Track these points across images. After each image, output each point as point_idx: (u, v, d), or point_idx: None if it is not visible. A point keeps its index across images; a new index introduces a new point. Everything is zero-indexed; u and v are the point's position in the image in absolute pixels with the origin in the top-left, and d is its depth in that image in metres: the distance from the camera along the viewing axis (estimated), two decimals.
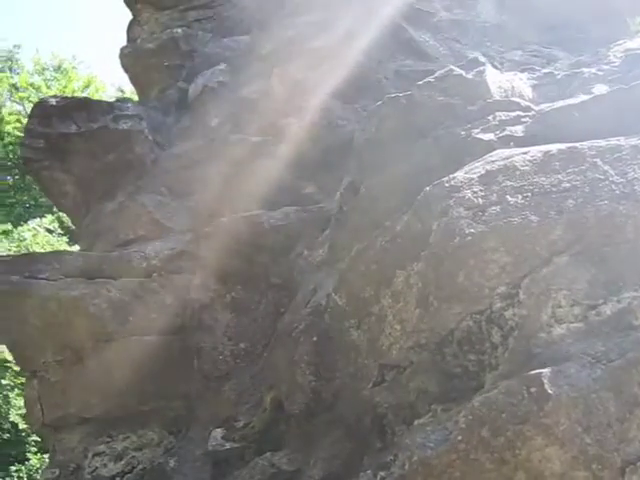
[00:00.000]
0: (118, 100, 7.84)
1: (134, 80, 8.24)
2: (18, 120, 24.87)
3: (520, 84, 4.38)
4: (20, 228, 18.80)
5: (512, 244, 3.11)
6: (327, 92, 5.89)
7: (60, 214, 19.68)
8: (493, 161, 3.43)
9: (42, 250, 15.46)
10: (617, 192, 3.04)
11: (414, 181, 3.71)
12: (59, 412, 5.59)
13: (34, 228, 18.75)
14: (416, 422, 3.33)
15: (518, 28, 6.39)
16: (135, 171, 6.39)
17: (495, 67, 4.77)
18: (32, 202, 23.73)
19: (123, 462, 5.34)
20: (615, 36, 5.17)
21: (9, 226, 19.25)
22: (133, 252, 5.80)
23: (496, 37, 6.31)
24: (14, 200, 23.91)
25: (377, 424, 3.62)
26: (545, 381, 2.67)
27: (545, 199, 3.14)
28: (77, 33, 54.03)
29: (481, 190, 3.31)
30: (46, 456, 14.93)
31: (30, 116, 6.87)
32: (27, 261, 5.75)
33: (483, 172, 3.39)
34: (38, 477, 14.81)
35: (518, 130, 3.78)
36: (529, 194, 3.19)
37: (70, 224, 19.32)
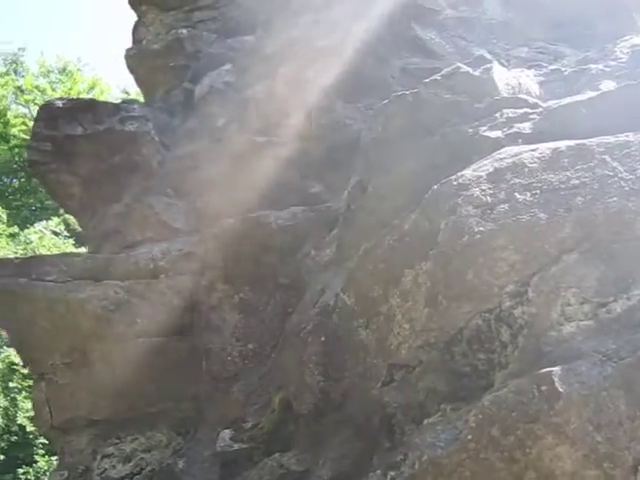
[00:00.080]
0: (124, 101, 7.82)
1: (140, 81, 8.24)
2: (24, 123, 24.99)
3: (527, 81, 4.36)
4: (26, 231, 18.89)
5: (521, 242, 3.10)
6: (333, 91, 5.88)
7: (66, 216, 19.74)
8: (501, 159, 3.42)
9: (49, 252, 15.53)
10: (626, 189, 3.02)
11: (422, 179, 3.70)
12: (67, 414, 5.60)
13: (40, 231, 18.84)
14: (425, 421, 3.32)
15: (524, 25, 6.37)
16: (141, 172, 6.39)
17: (501, 64, 4.76)
18: (38, 205, 23.84)
19: (132, 463, 5.35)
20: (622, 32, 5.13)
21: (16, 229, 19.33)
22: (140, 254, 5.80)
23: (502, 34, 6.29)
24: (20, 203, 24.02)
25: (386, 424, 3.61)
26: (556, 379, 2.65)
27: (554, 196, 3.13)
28: (81, 35, 54.16)
29: (489, 188, 3.29)
30: (54, 458, 14.99)
31: (36, 118, 6.87)
32: (34, 263, 5.75)
33: (491, 170, 3.38)
34: (46, 479, 14.87)
35: (526, 127, 3.76)
36: (538, 191, 3.17)
37: (76, 226, 19.40)
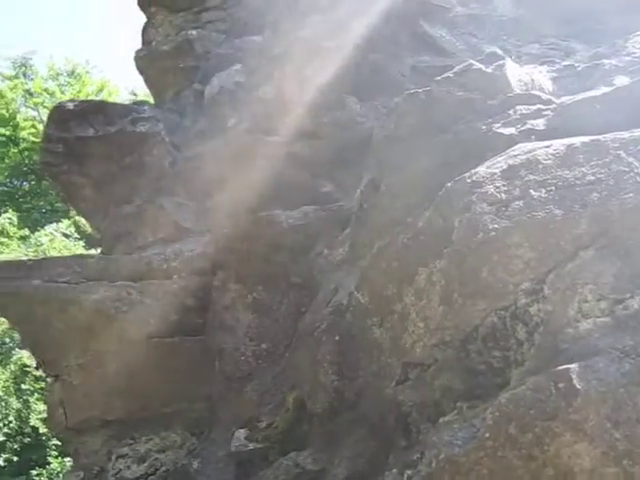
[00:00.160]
0: (135, 103, 7.84)
1: (149, 82, 8.26)
2: (33, 126, 25.11)
3: (540, 77, 4.34)
4: (37, 233, 18.99)
5: (536, 239, 3.08)
6: (343, 90, 5.88)
7: (76, 219, 19.83)
8: (515, 155, 3.40)
9: (59, 255, 15.59)
10: None
11: (435, 177, 3.69)
12: (82, 415, 5.62)
13: (51, 233, 18.92)
14: (441, 420, 3.31)
15: (535, 21, 6.34)
16: (152, 173, 6.40)
17: (513, 61, 4.73)
18: (48, 207, 23.94)
19: (146, 464, 5.37)
20: (633, 27, 5.10)
21: (26, 231, 19.43)
22: (152, 254, 5.82)
23: (513, 31, 6.27)
24: (31, 205, 24.14)
25: (401, 422, 3.60)
26: (573, 376, 2.64)
27: (569, 193, 3.11)
28: (89, 38, 54.36)
29: (504, 185, 3.28)
30: (67, 460, 15.07)
31: (48, 120, 6.90)
32: (47, 265, 5.78)
33: (505, 167, 3.36)
34: None
35: (539, 123, 3.74)
36: (553, 188, 3.16)
37: (86, 228, 19.48)
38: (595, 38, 5.79)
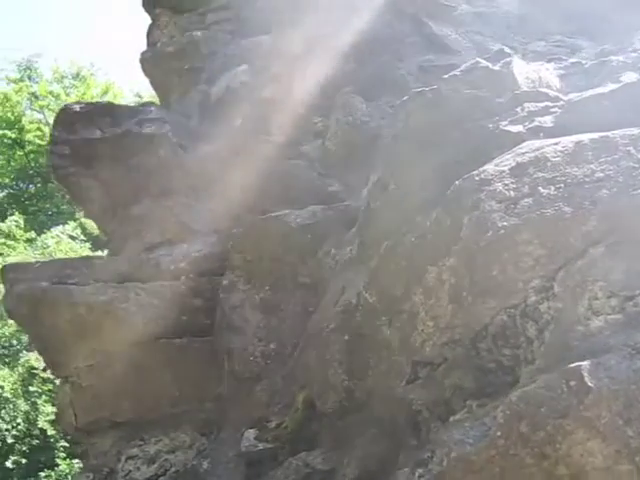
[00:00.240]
0: (142, 104, 7.84)
1: (155, 84, 8.27)
2: (39, 128, 25.19)
3: (547, 74, 4.33)
4: (43, 235, 19.05)
5: (546, 236, 3.08)
6: (350, 89, 5.89)
7: (82, 220, 19.88)
8: (523, 153, 3.39)
9: (66, 257, 15.63)
10: None
11: (443, 176, 3.68)
12: (91, 417, 5.64)
13: (57, 235, 18.97)
14: (452, 419, 3.31)
15: (540, 19, 6.34)
16: (160, 174, 6.40)
17: (519, 58, 4.73)
18: (54, 209, 24.00)
19: (156, 465, 5.38)
20: (639, 24, 5.10)
21: (33, 234, 19.48)
22: (161, 255, 5.83)
23: (518, 28, 6.27)
24: (37, 208, 24.21)
25: (411, 421, 3.59)
26: (585, 374, 2.62)
27: (578, 190, 3.10)
28: (93, 40, 54.46)
29: (512, 182, 3.27)
30: (75, 461, 15.10)
31: (54, 123, 6.91)
32: (56, 267, 5.80)
33: (514, 164, 3.36)
34: None
35: (547, 121, 3.73)
36: (562, 185, 3.15)
37: (92, 230, 19.54)
38: (601, 35, 5.78)
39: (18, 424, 15.56)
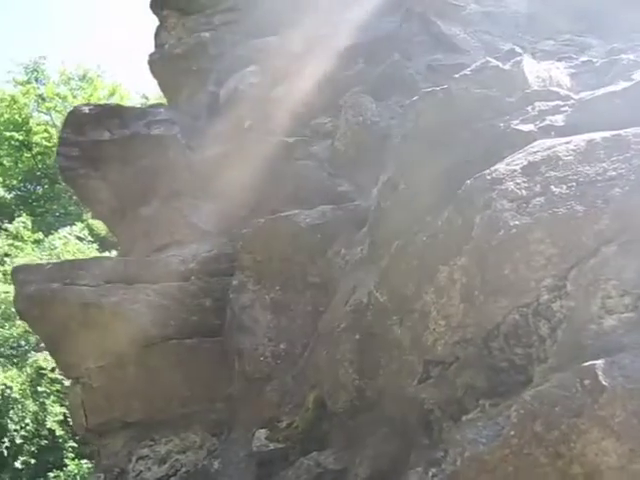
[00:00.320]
0: (151, 106, 7.86)
1: (163, 85, 8.29)
2: (46, 130, 25.28)
3: (558, 73, 4.33)
4: (51, 237, 19.08)
5: (558, 235, 3.07)
6: (359, 89, 5.89)
7: (90, 222, 19.93)
8: (535, 152, 3.39)
9: (73, 258, 15.67)
10: None
11: (454, 175, 3.68)
12: (102, 417, 5.66)
13: (65, 236, 18.99)
14: (464, 418, 3.30)
15: (549, 17, 6.32)
16: (169, 175, 6.43)
17: (529, 58, 4.72)
18: (62, 211, 24.05)
19: (167, 465, 5.39)
20: None
21: (40, 235, 19.53)
22: (171, 256, 5.85)
23: (527, 27, 6.25)
24: (44, 209, 24.26)
25: (423, 421, 3.59)
26: (599, 373, 2.62)
27: (590, 188, 3.09)
28: (98, 41, 54.54)
29: (524, 181, 3.27)
30: (84, 462, 15.14)
31: (63, 125, 6.94)
32: (67, 268, 5.82)
33: (525, 163, 3.35)
34: None
35: (558, 119, 3.73)
36: (574, 184, 3.14)
37: (100, 231, 19.59)
38: (610, 33, 5.77)
39: (27, 424, 15.58)
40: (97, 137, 6.59)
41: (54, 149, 19.30)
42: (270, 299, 5.27)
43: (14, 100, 25.30)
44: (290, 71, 6.27)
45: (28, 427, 15.64)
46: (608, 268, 2.94)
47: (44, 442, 16.12)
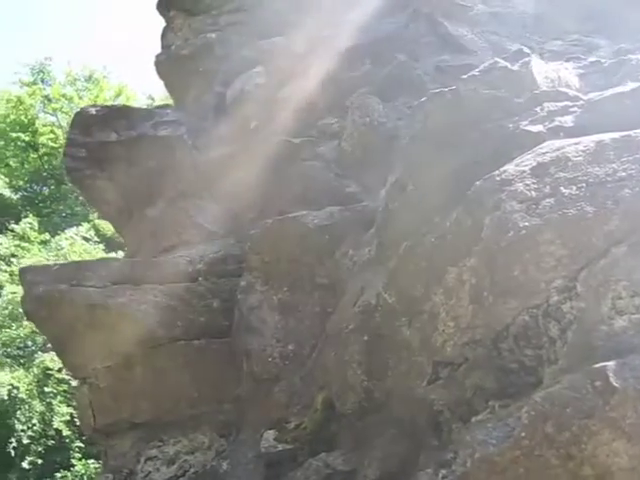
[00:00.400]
0: (158, 107, 7.87)
1: (169, 86, 8.30)
2: (52, 131, 25.38)
3: (566, 74, 4.32)
4: (57, 237, 19.15)
5: (568, 236, 3.07)
6: (366, 90, 5.88)
7: (96, 222, 19.98)
8: (544, 153, 3.39)
9: (79, 258, 15.72)
10: None
11: (463, 176, 3.68)
12: (110, 418, 5.66)
13: (71, 237, 19.05)
14: (474, 419, 3.30)
15: (557, 18, 6.32)
16: (176, 176, 6.43)
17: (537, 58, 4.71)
18: (68, 211, 24.12)
19: (175, 466, 5.39)
20: None
21: (47, 236, 19.60)
22: (178, 257, 5.85)
23: (535, 28, 6.25)
24: (50, 210, 24.34)
25: (432, 422, 3.59)
26: (610, 374, 2.62)
27: (600, 189, 3.09)
28: (105, 43, 54.64)
29: (534, 182, 3.27)
30: (91, 462, 15.18)
31: (70, 126, 6.96)
32: (74, 269, 5.82)
33: (534, 164, 3.35)
34: None
35: (568, 120, 3.72)
36: (583, 185, 3.14)
37: (106, 232, 19.64)
38: (617, 33, 5.76)
39: (34, 425, 15.63)
40: (104, 138, 6.60)
41: (60, 150, 19.39)
42: (278, 300, 5.27)
43: (20, 101, 25.39)
44: (296, 72, 6.27)
45: (35, 427, 15.69)
46: (618, 269, 2.94)
47: (51, 442, 16.17)
